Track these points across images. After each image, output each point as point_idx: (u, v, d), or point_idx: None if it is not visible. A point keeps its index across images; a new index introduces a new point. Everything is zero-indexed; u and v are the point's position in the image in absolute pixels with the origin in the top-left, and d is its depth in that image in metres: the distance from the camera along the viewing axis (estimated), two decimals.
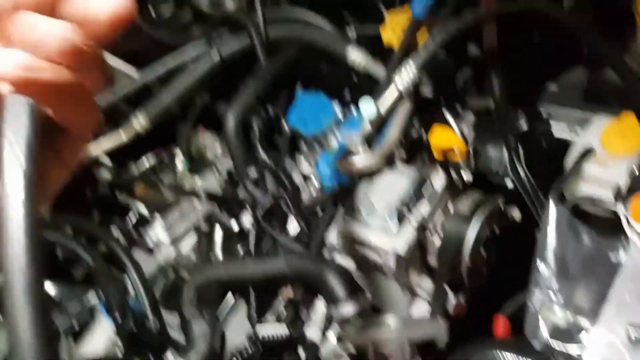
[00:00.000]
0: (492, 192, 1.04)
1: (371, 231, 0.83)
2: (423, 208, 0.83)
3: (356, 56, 1.03)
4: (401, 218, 0.82)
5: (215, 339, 0.95)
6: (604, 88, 1.14)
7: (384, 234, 0.82)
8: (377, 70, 1.01)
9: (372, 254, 0.86)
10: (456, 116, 1.07)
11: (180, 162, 1.21)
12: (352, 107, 1.11)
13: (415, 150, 0.98)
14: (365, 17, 1.18)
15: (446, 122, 1.04)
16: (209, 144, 1.24)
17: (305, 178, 1.14)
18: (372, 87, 1.10)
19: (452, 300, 0.85)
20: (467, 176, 1.01)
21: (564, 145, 1.16)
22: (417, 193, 0.83)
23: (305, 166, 1.18)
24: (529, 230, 0.94)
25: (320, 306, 0.97)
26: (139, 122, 1.17)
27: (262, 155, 1.08)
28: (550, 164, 1.05)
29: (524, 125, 0.98)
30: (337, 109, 1.09)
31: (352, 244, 0.87)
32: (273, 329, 0.91)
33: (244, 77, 1.25)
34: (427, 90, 1.02)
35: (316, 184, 1.09)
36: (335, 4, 1.16)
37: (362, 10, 1.19)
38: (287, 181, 1.08)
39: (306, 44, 1.11)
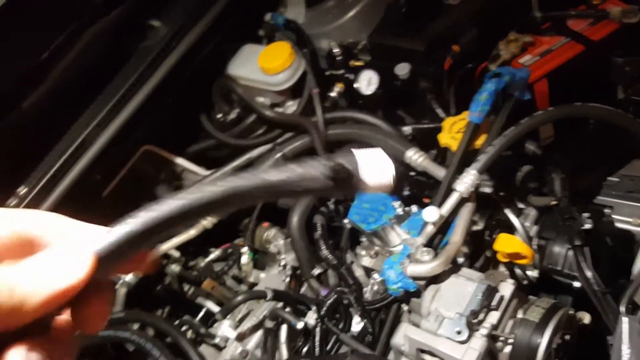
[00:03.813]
0: (559, 292, 1.03)
1: (440, 339, 0.83)
2: (492, 316, 0.83)
3: (415, 156, 1.06)
4: (470, 326, 0.82)
5: None
6: None
7: (454, 342, 0.82)
8: (436, 170, 1.04)
9: None
10: (518, 213, 1.08)
11: (245, 255, 1.26)
12: (412, 205, 1.14)
13: (478, 252, 0.99)
14: (421, 116, 1.22)
15: (508, 221, 1.05)
16: (273, 238, 1.28)
17: (367, 271, 1.16)
18: (430, 183, 1.13)
19: None
20: (533, 274, 1.01)
21: (629, 237, 1.14)
22: (486, 300, 0.83)
23: (366, 260, 1.20)
24: (600, 332, 0.92)
25: None
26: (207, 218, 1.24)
27: (325, 252, 1.11)
28: (616, 260, 1.03)
29: (587, 222, 0.98)
30: (396, 205, 1.12)
31: (418, 350, 0.87)
32: None
33: None
34: (487, 189, 1.03)
35: (379, 280, 1.11)
36: (392, 105, 1.21)
37: (417, 111, 1.23)
38: (350, 278, 1.10)
39: (364, 143, 1.16)
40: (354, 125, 1.18)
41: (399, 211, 1.12)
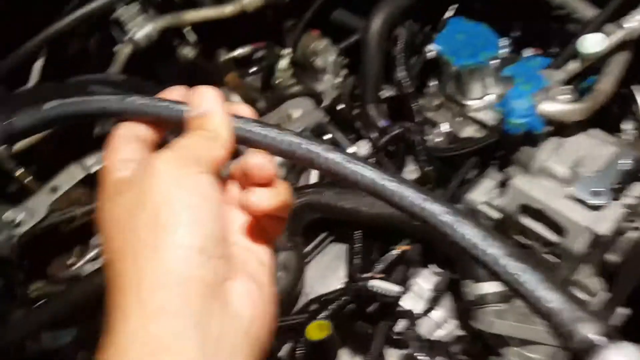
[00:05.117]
0: None
1: (564, 200, 0.63)
2: (636, 189, 0.63)
3: None
4: (608, 193, 0.62)
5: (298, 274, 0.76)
6: None
7: (583, 205, 0.62)
8: (581, 6, 0.80)
9: (541, 228, 0.66)
10: None
11: (285, 60, 1.00)
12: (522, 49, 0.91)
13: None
14: None
15: None
16: (321, 51, 1.02)
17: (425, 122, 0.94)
18: (547, 27, 0.89)
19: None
20: None
21: None
22: (633, 168, 0.63)
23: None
24: None
25: (426, 276, 0.78)
26: None
27: (402, 74, 0.87)
28: None
29: None
30: (502, 44, 0.88)
31: (520, 207, 0.67)
32: (382, 283, 0.71)
33: None
34: None
35: (445, 131, 0.90)
36: None
37: None
38: (416, 114, 0.89)
39: None
40: None
41: (504, 52, 0.88)
